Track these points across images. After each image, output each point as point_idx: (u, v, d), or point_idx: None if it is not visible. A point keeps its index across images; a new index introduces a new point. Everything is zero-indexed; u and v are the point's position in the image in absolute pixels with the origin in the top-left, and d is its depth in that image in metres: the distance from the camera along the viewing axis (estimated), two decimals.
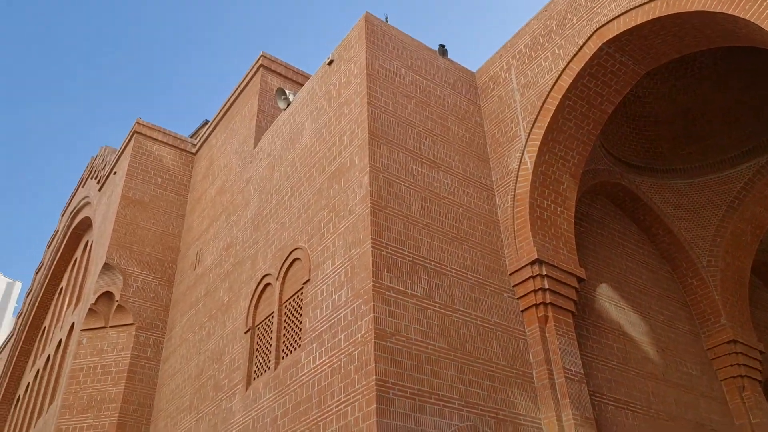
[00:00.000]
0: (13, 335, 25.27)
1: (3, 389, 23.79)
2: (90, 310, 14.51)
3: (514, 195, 10.57)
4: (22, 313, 25.38)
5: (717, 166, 13.15)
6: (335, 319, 8.67)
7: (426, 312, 8.61)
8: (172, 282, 15.32)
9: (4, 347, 26.40)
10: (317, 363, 8.70)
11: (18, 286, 42.09)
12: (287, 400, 9.04)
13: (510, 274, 10.05)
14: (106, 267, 14.71)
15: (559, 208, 10.68)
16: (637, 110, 12.94)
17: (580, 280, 10.34)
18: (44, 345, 22.49)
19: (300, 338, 9.46)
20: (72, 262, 23.32)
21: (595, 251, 12.09)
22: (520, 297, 9.86)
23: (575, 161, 10.92)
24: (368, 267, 8.42)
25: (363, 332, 8.03)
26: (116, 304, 14.39)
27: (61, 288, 23.48)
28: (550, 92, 10.60)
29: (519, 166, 10.70)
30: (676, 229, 13.10)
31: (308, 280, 9.71)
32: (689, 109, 12.97)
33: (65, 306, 21.45)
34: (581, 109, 10.71)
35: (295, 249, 10.43)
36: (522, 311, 9.78)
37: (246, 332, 10.98)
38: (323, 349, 8.68)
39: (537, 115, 10.69)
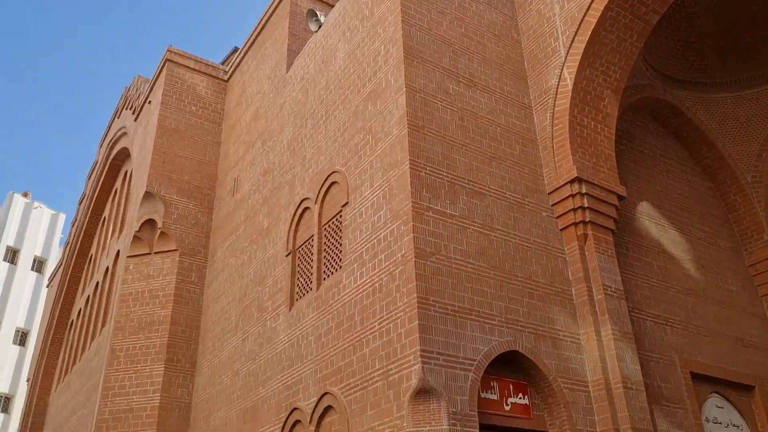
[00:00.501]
0: (62, 264, 26.27)
1: (57, 314, 24.94)
2: (135, 237, 14.93)
3: (553, 113, 10.35)
4: (68, 242, 26.27)
5: (765, 78, 12.62)
6: (375, 240, 8.77)
7: (465, 231, 8.65)
8: (211, 209, 15.60)
9: (55, 275, 27.49)
10: (358, 283, 8.87)
11: (62, 218, 43.28)
12: (330, 319, 9.30)
13: (549, 193, 9.97)
14: (147, 195, 15.01)
15: (599, 126, 10.44)
16: (682, 21, 12.37)
17: (620, 198, 10.22)
18: (92, 272, 23.36)
19: (341, 259, 9.63)
20: (113, 193, 23.86)
21: (636, 169, 11.87)
22: (558, 216, 9.82)
23: (617, 76, 10.58)
24: (407, 188, 8.43)
25: (403, 252, 8.12)
26: (159, 231, 14.77)
27: (104, 218, 24.14)
28: (591, 3, 10.17)
29: (558, 82, 10.42)
30: (720, 145, 12.75)
31: (347, 203, 9.79)
32: (738, 19, 12.35)
33: (110, 235, 22.10)
34: (624, 20, 10.28)
35: (333, 173, 10.46)
36: (561, 230, 9.75)
37: (287, 255, 11.21)
38: (364, 269, 8.84)
39: (577, 29, 10.31)
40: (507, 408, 8.12)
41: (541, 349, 8.47)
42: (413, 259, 7.90)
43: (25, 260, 39.96)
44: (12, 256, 39.70)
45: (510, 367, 8.39)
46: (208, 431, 12.26)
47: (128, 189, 21.40)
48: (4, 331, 37.67)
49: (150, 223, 14.96)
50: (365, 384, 8.09)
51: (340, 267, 9.59)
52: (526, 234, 9.33)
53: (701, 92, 12.75)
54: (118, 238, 20.50)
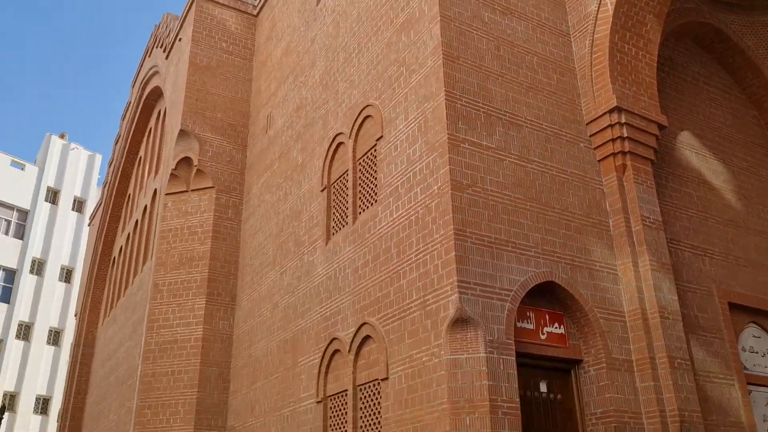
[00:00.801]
0: (101, 203, 26.91)
1: (99, 252, 25.73)
2: (171, 175, 15.16)
3: (593, 40, 10.02)
4: (106, 182, 26.82)
5: None
6: (410, 173, 8.77)
7: (501, 163, 8.57)
8: (245, 146, 15.70)
9: (95, 214, 28.21)
10: (394, 216, 8.93)
11: (99, 159, 44.01)
12: (366, 252, 9.43)
13: (587, 124, 9.78)
14: (182, 133, 15.14)
15: (640, 53, 10.10)
16: None
17: (660, 127, 9.98)
18: (131, 211, 23.92)
19: (376, 193, 9.67)
20: (147, 132, 24.12)
21: (678, 97, 11.53)
22: (597, 147, 9.65)
23: (660, 0, 10.15)
24: (442, 120, 8.35)
25: (439, 184, 8.12)
26: (195, 168, 14.96)
27: (140, 157, 24.51)
28: None
29: (598, 8, 10.04)
30: None
31: (381, 137, 9.75)
32: None
33: (146, 174, 22.49)
34: None
35: (366, 106, 10.39)
36: (599, 161, 9.61)
37: (322, 190, 11.29)
38: (400, 202, 8.87)
39: None
40: (543, 337, 8.24)
41: (577, 280, 8.50)
42: (449, 192, 7.89)
43: (65, 201, 40.97)
44: (53, 196, 40.72)
45: (546, 297, 8.46)
46: (250, 361, 12.72)
47: (162, 128, 21.60)
48: (50, 269, 39.06)
49: (186, 161, 15.15)
50: (403, 314, 8.25)
51: (376, 201, 9.64)
52: (563, 165, 9.22)
53: (749, 15, 12.17)
54: (155, 177, 20.85)
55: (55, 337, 38.59)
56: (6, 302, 36.83)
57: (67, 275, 40.23)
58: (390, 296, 8.60)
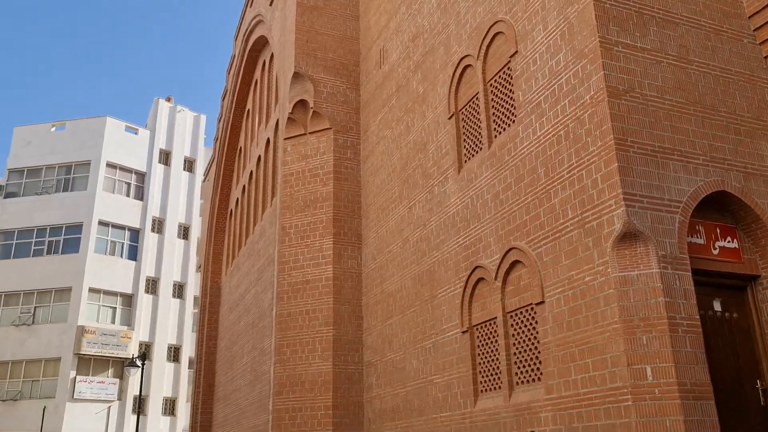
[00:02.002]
0: (214, 159, 27.76)
1: (216, 206, 26.64)
2: (288, 119, 15.19)
3: None
4: (217, 138, 27.57)
5: None
6: (555, 86, 8.18)
7: (659, 66, 7.81)
8: (357, 85, 15.46)
9: (209, 170, 29.18)
10: (538, 134, 8.41)
11: (204, 119, 45.44)
12: (507, 175, 8.99)
13: (749, 17, 8.75)
14: (296, 76, 15.07)
15: None
16: None
17: None
18: (244, 163, 24.49)
19: (513, 113, 9.16)
20: (253, 84, 24.41)
21: None
22: (762, 42, 8.63)
23: None
24: (591, 23, 7.66)
25: (592, 93, 7.50)
26: (311, 110, 14.90)
27: (248, 110, 24.91)
28: None
29: None
30: None
31: (515, 53, 9.16)
32: None
33: (256, 125, 22.84)
34: None
35: (495, 23, 9.78)
36: (765, 57, 8.61)
37: (449, 118, 10.88)
38: (544, 118, 8.33)
39: None
40: (715, 252, 7.58)
41: (752, 188, 7.72)
42: (606, 99, 7.28)
43: (177, 161, 42.73)
44: (165, 158, 42.54)
45: (715, 209, 7.75)
46: (382, 297, 12.73)
47: (269, 77, 21.74)
48: (169, 227, 41.12)
49: (302, 103, 15.12)
50: (557, 234, 7.81)
51: (514, 121, 9.14)
52: (726, 64, 8.31)
53: None
54: (266, 126, 21.12)
55: (179, 290, 40.86)
56: (133, 259, 39.22)
57: (184, 232, 42.25)
58: (540, 218, 8.17)
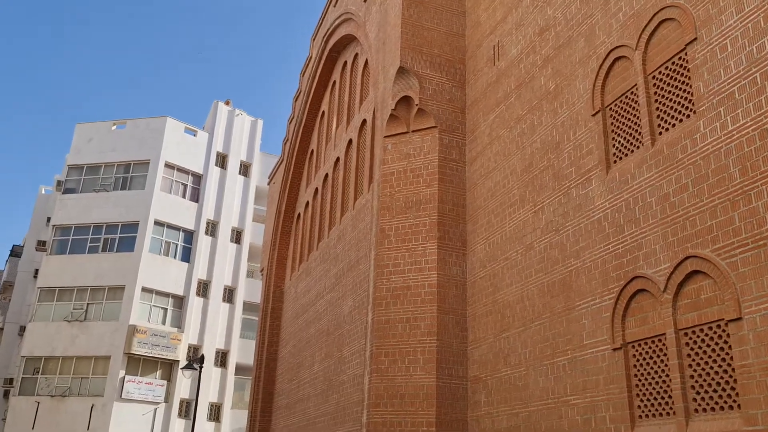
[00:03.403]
0: (282, 160, 27.23)
1: (283, 209, 26.04)
2: (391, 116, 14.44)
3: None
4: (287, 139, 27.05)
5: None
6: (756, 74, 7.22)
7: None
8: (464, 83, 14.66)
9: (275, 172, 28.66)
10: (730, 129, 7.44)
11: (260, 124, 45.21)
12: (682, 175, 8.03)
13: None
14: (401, 71, 14.34)
15: None
16: None
17: None
18: (317, 165, 23.86)
19: (688, 107, 8.21)
20: (330, 85, 23.83)
21: None
22: None
23: None
24: None
25: None
26: (416, 108, 14.14)
27: (323, 111, 24.33)
28: None
29: None
30: None
31: (694, 39, 8.23)
32: None
33: (333, 127, 22.20)
34: None
35: (662, 9, 8.87)
36: None
37: (593, 115, 9.97)
38: (739, 111, 7.37)
39: None
40: None
41: None
42: None
43: (233, 165, 42.50)
44: (222, 161, 42.36)
45: None
46: (495, 308, 11.80)
47: (351, 77, 21.12)
48: (222, 231, 40.80)
49: (405, 100, 14.37)
50: (760, 242, 6.81)
51: (688, 115, 8.19)
52: None
53: None
54: (346, 127, 20.45)
55: (229, 294, 40.41)
56: (186, 261, 38.92)
57: (237, 236, 41.88)
58: (733, 222, 7.18)
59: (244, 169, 43.57)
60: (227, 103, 44.45)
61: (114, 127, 41.15)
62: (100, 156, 40.24)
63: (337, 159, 20.95)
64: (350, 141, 19.81)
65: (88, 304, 36.79)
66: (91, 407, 34.14)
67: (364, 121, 18.78)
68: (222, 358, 39.10)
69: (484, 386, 11.73)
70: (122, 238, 38.14)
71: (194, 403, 36.89)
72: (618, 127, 9.50)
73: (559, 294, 10.07)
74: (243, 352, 39.48)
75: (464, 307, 12.83)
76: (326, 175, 22.02)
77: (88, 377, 35.28)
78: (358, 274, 16.77)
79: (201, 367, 22.82)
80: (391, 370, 12.54)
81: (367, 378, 12.91)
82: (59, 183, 40.77)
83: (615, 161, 9.43)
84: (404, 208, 13.69)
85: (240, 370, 39.68)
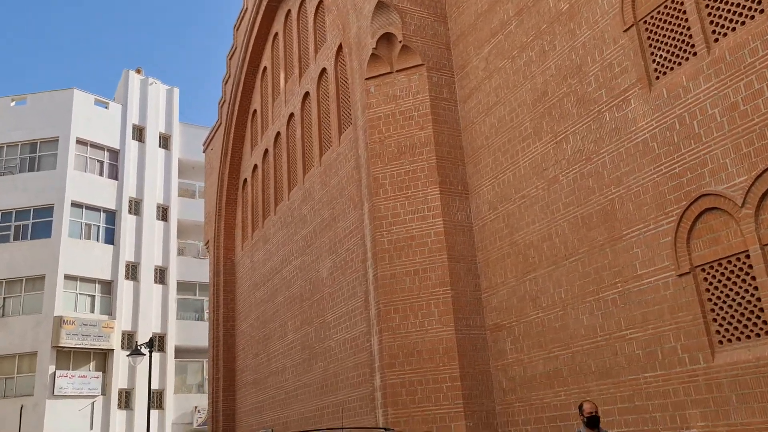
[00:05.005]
0: (220, 124, 25.34)
1: (226, 176, 24.33)
2: (372, 56, 13.25)
3: None
4: (223, 101, 25.16)
5: None
6: None
7: None
8: (445, 17, 13.65)
9: (210, 139, 26.72)
10: None
11: (177, 92, 42.33)
12: (753, 81, 7.46)
13: None
14: (380, 6, 13.14)
15: None
16: None
17: None
18: (263, 125, 22.27)
19: (756, 6, 7.62)
20: (272, 38, 22.17)
21: None
22: None
23: None
24: None
25: None
26: (399, 45, 13.02)
27: (264, 67, 22.67)
28: None
29: None
30: None
31: None
32: None
33: (281, 81, 20.68)
34: None
35: None
36: None
37: (625, 30, 9.26)
38: None
39: None
40: None
41: None
42: None
43: (151, 138, 39.72)
44: (139, 134, 39.49)
45: None
46: (513, 250, 11.08)
47: (298, 26, 19.62)
48: (147, 208, 38.19)
49: (385, 38, 13.21)
50: None
51: (752, 16, 7.60)
52: None
53: None
54: (299, 80, 19.03)
55: (160, 275, 38.08)
56: (111, 243, 36.24)
57: (163, 213, 39.38)
58: None
59: (164, 142, 40.82)
60: (138, 72, 41.29)
61: (13, 104, 37.29)
62: (1, 136, 36.42)
63: (291, 115, 19.52)
64: (306, 94, 18.42)
65: (4, 298, 33.57)
66: (21, 408, 31.35)
67: (323, 69, 17.44)
68: (160, 343, 36.89)
69: (508, 333, 11.05)
70: (36, 223, 34.90)
71: (131, 392, 34.66)
72: (658, 40, 8.84)
73: (598, 225, 9.44)
74: (181, 334, 37.44)
75: (473, 253, 12.05)
76: (278, 134, 20.54)
77: (13, 377, 32.36)
78: (335, 233, 15.65)
79: (151, 351, 21.08)
80: (403, 326, 11.64)
81: (376, 338, 11.94)
82: None
83: (658, 77, 8.79)
84: (397, 153, 12.66)
85: (179, 353, 37.65)
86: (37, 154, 36.31)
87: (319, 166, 17.03)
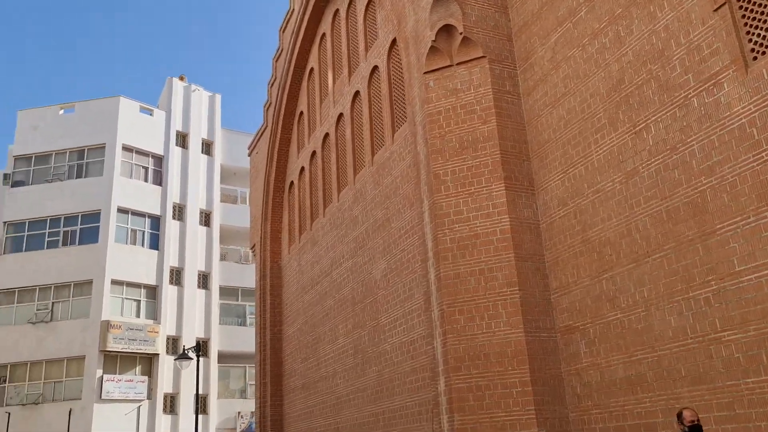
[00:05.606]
0: (265, 127, 25.19)
1: (272, 179, 24.13)
2: (431, 49, 12.80)
3: None
4: (269, 104, 25.01)
5: None
6: None
7: None
8: (506, 8, 13.13)
9: (257, 142, 26.59)
10: None
11: (219, 99, 42.57)
12: None
13: None
14: None
15: None
16: None
17: None
18: (310, 127, 22.01)
19: None
20: (319, 39, 21.93)
21: None
22: None
23: None
24: None
25: None
26: (460, 37, 12.55)
27: (311, 68, 22.43)
28: None
29: None
30: None
31: None
32: None
33: (329, 82, 20.38)
34: None
35: None
36: None
37: (715, 10, 8.63)
38: None
39: None
40: None
41: None
42: None
43: (194, 144, 39.96)
44: (182, 140, 39.77)
45: None
46: (587, 248, 10.47)
47: (347, 24, 19.30)
48: (190, 214, 38.37)
49: (444, 30, 12.76)
50: None
51: None
52: None
53: None
54: (349, 79, 18.69)
55: (203, 280, 38.18)
56: (155, 249, 36.45)
57: (206, 219, 39.54)
58: None
59: (207, 148, 41.05)
60: (182, 79, 41.64)
61: (62, 112, 37.92)
62: (50, 143, 37.04)
63: (340, 115, 19.18)
64: (356, 93, 18.07)
65: (53, 303, 33.99)
66: (69, 412, 31.62)
67: (375, 67, 17.06)
68: (203, 348, 36.91)
69: (582, 336, 10.42)
70: (83, 229, 35.32)
71: (176, 397, 34.70)
72: (754, 18, 8.19)
73: (686, 219, 8.79)
74: (224, 339, 37.45)
75: (541, 251, 11.47)
76: (326, 135, 20.23)
77: (62, 381, 32.68)
78: (389, 234, 15.20)
79: (198, 356, 20.90)
80: (469, 328, 11.10)
81: (439, 340, 11.43)
82: (6, 176, 37.32)
83: (755, 57, 8.13)
84: (459, 149, 12.16)
85: (222, 358, 37.64)
86: (84, 161, 36.81)
87: (371, 165, 16.63)
